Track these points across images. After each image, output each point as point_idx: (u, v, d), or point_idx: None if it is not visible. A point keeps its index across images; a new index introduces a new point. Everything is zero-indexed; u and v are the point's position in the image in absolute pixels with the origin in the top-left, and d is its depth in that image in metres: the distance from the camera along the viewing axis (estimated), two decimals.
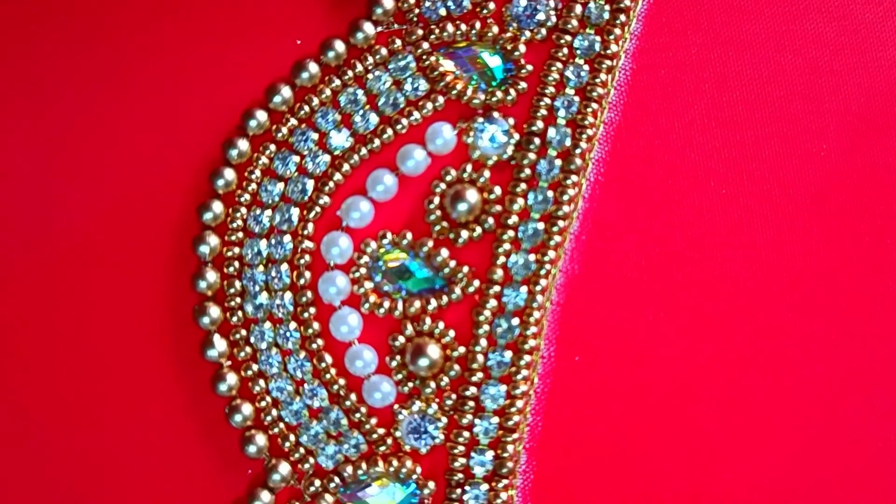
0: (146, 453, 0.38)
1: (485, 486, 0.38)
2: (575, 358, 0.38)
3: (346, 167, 0.38)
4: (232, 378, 0.38)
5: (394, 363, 0.38)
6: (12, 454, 0.39)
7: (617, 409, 0.38)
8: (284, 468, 0.38)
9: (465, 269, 0.37)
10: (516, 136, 0.38)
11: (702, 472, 0.38)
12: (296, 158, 0.38)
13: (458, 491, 0.38)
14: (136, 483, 0.38)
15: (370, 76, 0.38)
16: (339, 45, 0.37)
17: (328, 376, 0.38)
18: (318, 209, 0.38)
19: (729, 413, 0.38)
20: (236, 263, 0.38)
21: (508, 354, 0.38)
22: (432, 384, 0.38)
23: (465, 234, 0.37)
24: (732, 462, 0.38)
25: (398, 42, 0.38)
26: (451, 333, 0.38)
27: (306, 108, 0.38)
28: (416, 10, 0.38)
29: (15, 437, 0.39)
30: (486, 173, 0.38)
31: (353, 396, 0.38)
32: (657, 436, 0.38)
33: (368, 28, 0.37)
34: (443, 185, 0.38)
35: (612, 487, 0.38)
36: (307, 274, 0.38)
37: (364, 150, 0.38)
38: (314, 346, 0.38)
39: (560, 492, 0.38)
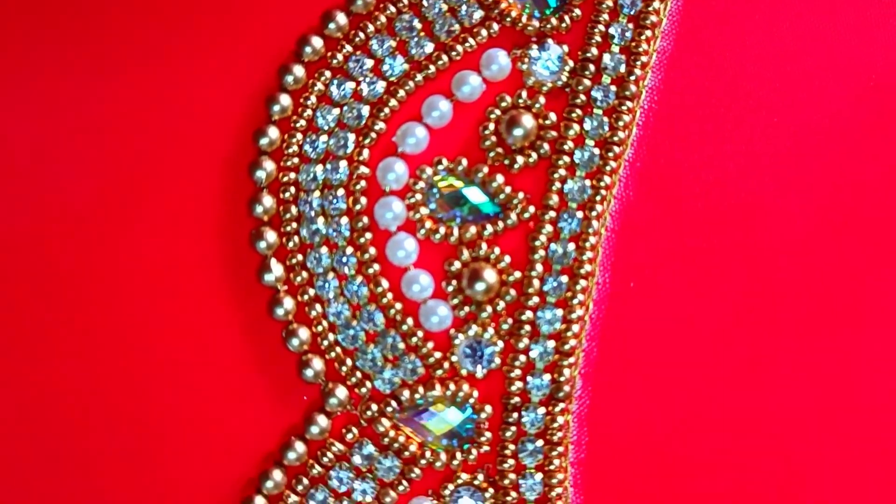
0: (202, 379, 0.38)
1: (542, 410, 0.38)
2: (630, 284, 0.38)
3: (401, 93, 0.38)
4: (289, 302, 0.38)
5: (450, 288, 0.38)
6: (70, 373, 0.38)
7: (671, 336, 0.38)
8: (341, 392, 0.38)
9: (521, 195, 0.38)
10: (571, 63, 0.38)
11: (761, 395, 0.38)
12: (351, 84, 0.38)
13: (515, 415, 0.38)
14: (193, 409, 0.38)
15: (425, 3, 0.38)
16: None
17: (385, 301, 0.38)
18: (373, 135, 0.38)
19: (781, 340, 0.38)
20: (292, 189, 0.38)
21: (564, 279, 0.38)
22: (488, 308, 0.38)
23: (520, 160, 0.38)
24: (791, 388, 0.38)
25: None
26: (507, 259, 0.38)
27: (361, 34, 0.38)
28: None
29: (73, 359, 0.39)
30: (541, 99, 0.38)
31: (409, 321, 0.38)
32: (711, 362, 0.38)
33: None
34: (498, 112, 0.38)
35: (667, 414, 0.38)
36: (363, 199, 0.38)
37: (419, 77, 0.38)
38: (371, 270, 0.38)
39: (615, 418, 0.38)
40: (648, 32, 0.37)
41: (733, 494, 0.38)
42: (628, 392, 0.38)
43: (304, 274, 0.38)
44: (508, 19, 0.38)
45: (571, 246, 0.38)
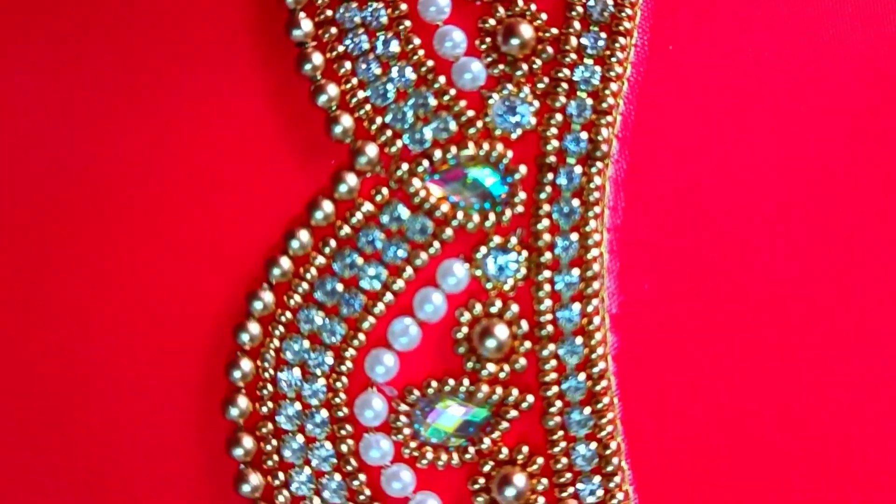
0: (226, 140, 0.37)
1: (578, 170, 0.37)
2: (669, 47, 0.37)
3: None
4: (317, 58, 0.37)
5: (483, 45, 0.37)
6: None
7: (710, 101, 0.37)
8: (371, 150, 0.37)
9: None
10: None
11: None
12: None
13: (550, 175, 0.37)
14: (217, 169, 0.37)
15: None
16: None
17: (416, 57, 0.37)
18: None
19: None
20: None
21: (602, 35, 0.37)
22: (524, 66, 0.37)
23: None
24: None
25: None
26: (544, 16, 0.37)
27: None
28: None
29: None
30: None
31: (441, 78, 0.37)
32: (746, 146, 0.37)
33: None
34: None
35: (701, 182, 0.37)
36: None
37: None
38: (402, 27, 0.37)
39: (651, 185, 0.37)
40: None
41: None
42: (664, 160, 0.37)
43: (334, 30, 0.37)
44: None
45: (610, 2, 0.36)
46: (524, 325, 0.37)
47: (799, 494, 0.37)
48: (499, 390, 0.36)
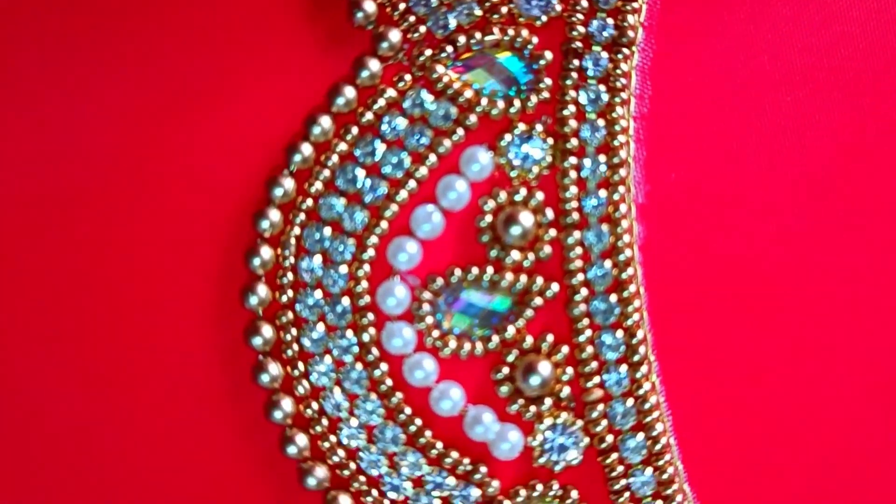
0: (251, 33, 0.37)
1: (605, 56, 0.36)
2: None
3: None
4: None
5: None
6: None
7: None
8: (395, 36, 0.36)
9: None
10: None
11: None
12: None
13: (576, 61, 0.36)
14: (244, 59, 0.36)
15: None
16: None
17: None
18: None
19: None
20: None
21: None
22: None
23: None
24: None
25: (407, 77, 0.36)
26: None
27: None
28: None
29: None
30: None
31: None
32: None
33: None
34: None
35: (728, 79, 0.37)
36: None
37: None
38: None
39: (677, 72, 0.37)
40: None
41: None
42: (691, 47, 0.37)
43: None
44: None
45: None
46: (549, 213, 0.36)
47: (816, 390, 0.37)
48: (523, 278, 0.36)
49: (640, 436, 0.36)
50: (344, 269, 0.36)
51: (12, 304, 0.37)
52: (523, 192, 0.36)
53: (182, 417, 0.36)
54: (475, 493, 0.36)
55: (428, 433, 0.36)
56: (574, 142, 0.36)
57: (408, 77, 0.36)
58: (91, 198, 0.37)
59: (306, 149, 0.36)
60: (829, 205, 0.36)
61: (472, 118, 0.36)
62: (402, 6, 0.36)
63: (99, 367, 0.36)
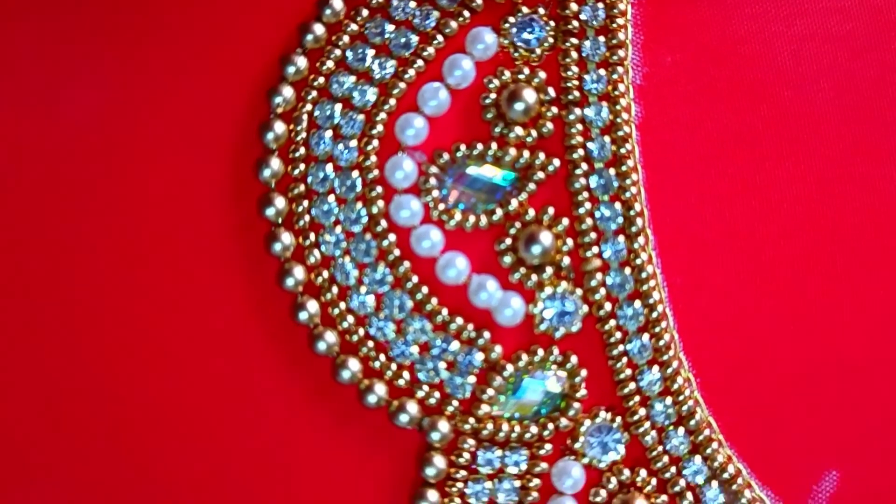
0: None
1: None
2: None
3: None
4: None
5: None
6: None
7: None
8: None
9: None
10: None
11: None
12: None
13: None
14: None
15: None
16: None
17: None
18: None
19: None
20: None
21: None
22: None
23: None
24: None
25: None
26: None
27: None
28: None
29: None
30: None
31: None
32: None
33: None
34: None
35: None
36: None
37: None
38: None
39: None
40: None
41: None
42: None
43: None
44: None
45: None
46: (551, 91, 0.38)
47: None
48: (525, 154, 0.37)
49: (637, 303, 0.37)
50: (353, 143, 0.38)
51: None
52: (526, 71, 0.38)
53: (196, 287, 0.38)
54: (479, 357, 0.37)
55: (434, 300, 0.37)
56: (574, 23, 0.38)
57: None
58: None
59: (318, 29, 0.38)
60: (825, 72, 0.38)
61: (478, 0, 0.38)
62: None
63: (112, 230, 0.38)
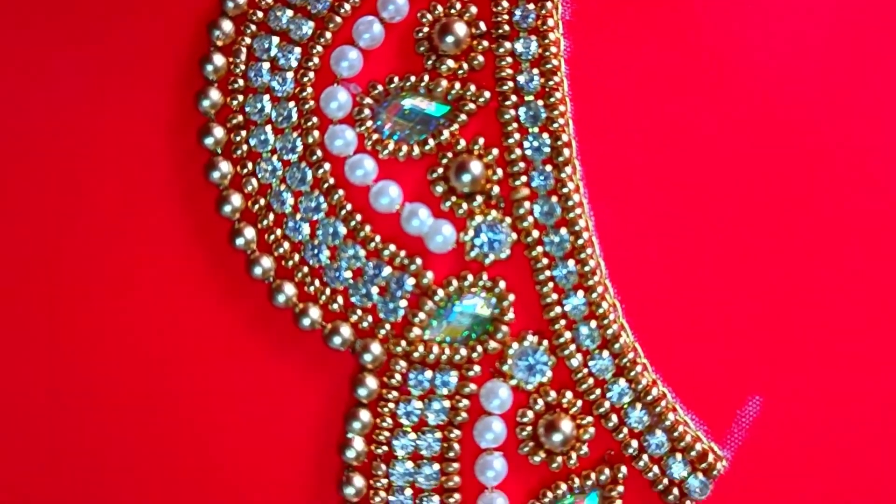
0: None
1: None
2: None
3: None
4: None
5: None
6: None
7: None
8: None
9: None
10: None
11: None
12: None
13: None
14: None
15: None
16: None
17: None
18: None
19: None
20: None
21: None
22: None
23: None
24: None
25: None
26: None
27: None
28: None
29: None
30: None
31: None
32: None
33: None
34: None
35: None
36: None
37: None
38: None
39: None
40: None
41: None
42: None
43: None
44: None
45: None
46: (482, 25, 0.39)
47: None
48: (457, 86, 0.39)
49: (564, 231, 0.38)
50: (290, 75, 0.39)
51: None
52: (458, 5, 0.39)
53: (136, 215, 0.39)
54: (410, 281, 0.38)
55: (367, 228, 0.38)
56: None
57: None
58: None
59: None
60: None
61: None
62: None
63: (56, 162, 0.39)
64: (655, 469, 0.39)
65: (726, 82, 0.39)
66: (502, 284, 0.39)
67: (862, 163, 0.39)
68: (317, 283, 0.39)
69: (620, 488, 0.39)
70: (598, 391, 0.39)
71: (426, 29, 0.39)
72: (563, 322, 0.39)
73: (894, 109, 0.39)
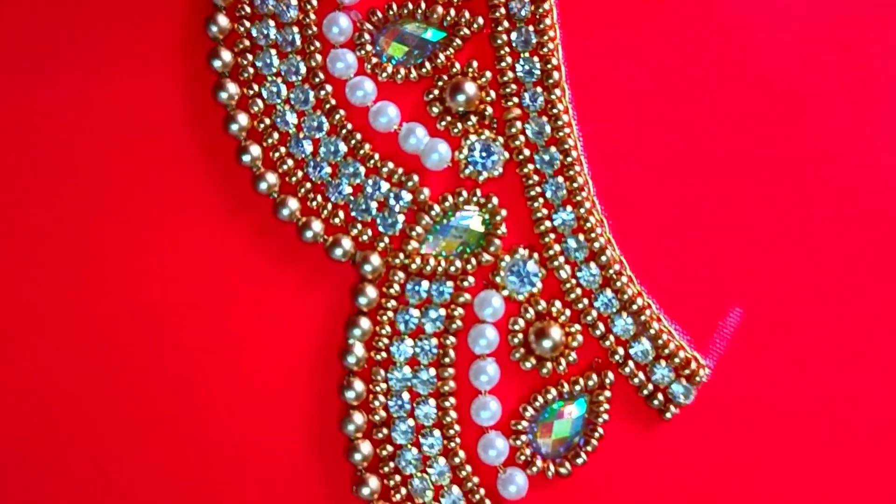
0: None
1: None
2: None
3: None
4: None
5: None
6: None
7: None
8: None
9: None
10: None
11: None
12: None
13: None
14: None
15: None
16: None
17: None
18: None
19: None
20: None
21: None
22: None
23: None
24: None
25: None
26: None
27: None
28: None
29: None
30: None
31: None
32: None
33: None
34: None
35: None
36: None
37: None
38: None
39: None
40: None
41: None
42: None
43: None
44: None
45: None
46: None
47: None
48: (452, 12, 0.41)
49: (553, 149, 0.41)
50: (294, 2, 0.41)
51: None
52: None
53: (145, 134, 0.41)
54: (407, 196, 0.40)
55: (367, 146, 0.40)
56: None
57: None
58: None
59: None
60: None
61: None
62: None
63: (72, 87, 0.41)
64: (641, 375, 0.41)
65: (712, 10, 0.41)
66: (495, 200, 0.41)
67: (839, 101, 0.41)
68: (319, 198, 0.41)
69: (608, 393, 0.41)
70: (585, 301, 0.41)
71: None
72: (552, 236, 0.41)
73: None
